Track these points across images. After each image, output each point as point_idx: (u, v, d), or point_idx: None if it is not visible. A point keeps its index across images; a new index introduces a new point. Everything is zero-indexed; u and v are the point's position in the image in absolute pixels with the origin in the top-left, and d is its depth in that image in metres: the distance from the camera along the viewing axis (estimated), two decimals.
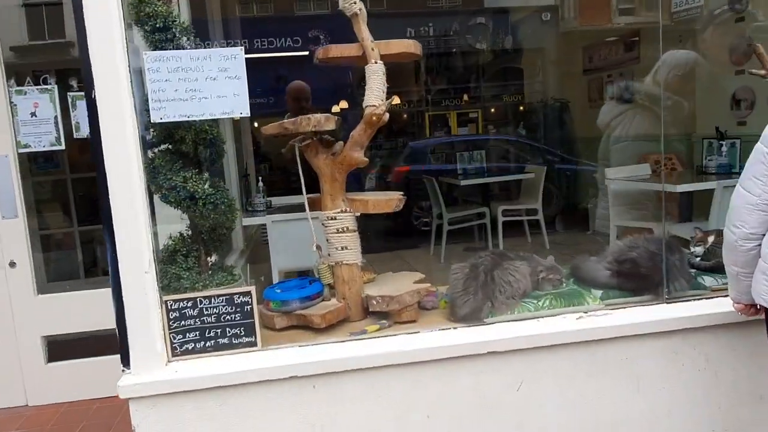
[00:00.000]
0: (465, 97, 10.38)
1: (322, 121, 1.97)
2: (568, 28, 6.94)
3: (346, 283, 2.10)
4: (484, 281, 2.01)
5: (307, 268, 3.35)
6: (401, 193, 2.17)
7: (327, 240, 2.12)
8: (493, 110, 10.59)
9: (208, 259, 2.04)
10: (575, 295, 2.09)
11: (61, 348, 3.31)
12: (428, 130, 10.49)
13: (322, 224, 2.12)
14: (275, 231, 3.28)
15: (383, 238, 7.08)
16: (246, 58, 1.81)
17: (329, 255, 2.13)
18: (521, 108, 9.96)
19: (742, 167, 1.73)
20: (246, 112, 1.84)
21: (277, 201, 4.18)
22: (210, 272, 2.00)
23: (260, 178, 4.25)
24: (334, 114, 2.06)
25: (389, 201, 2.08)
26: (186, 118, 1.80)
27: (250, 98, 1.84)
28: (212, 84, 1.79)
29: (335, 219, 2.08)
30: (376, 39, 2.03)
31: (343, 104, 11.28)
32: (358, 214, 2.14)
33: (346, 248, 2.09)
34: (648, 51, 4.88)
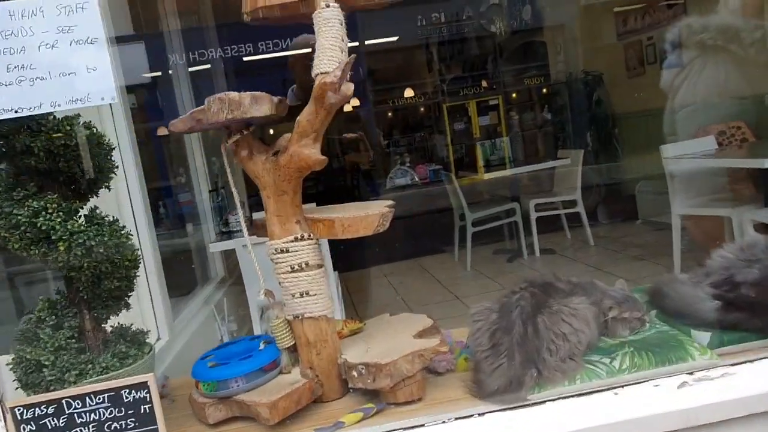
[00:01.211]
0: (483, 83, 9.55)
1: (245, 104, 1.24)
2: None
3: (313, 347, 1.37)
4: (524, 334, 1.25)
5: None
6: (389, 203, 1.43)
7: (279, 284, 1.40)
8: (515, 95, 9.74)
9: (102, 327, 1.34)
10: (669, 343, 1.31)
11: None
12: (447, 121, 9.70)
13: (270, 260, 1.39)
14: (249, 256, 2.56)
15: (400, 240, 6.35)
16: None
17: (284, 305, 1.40)
18: (544, 90, 9.08)
19: None
20: (112, 97, 1.13)
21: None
22: (99, 350, 1.30)
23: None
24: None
25: (367, 218, 1.34)
26: (13, 114, 1.09)
27: None
28: (50, 54, 1.08)
29: (287, 252, 1.35)
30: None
31: (355, 102, 10.60)
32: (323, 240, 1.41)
33: (308, 294, 1.36)
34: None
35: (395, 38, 9.06)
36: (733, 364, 1.25)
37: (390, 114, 11.19)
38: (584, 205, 4.51)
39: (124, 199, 2.09)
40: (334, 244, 5.77)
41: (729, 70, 3.03)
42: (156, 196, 3.11)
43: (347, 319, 1.56)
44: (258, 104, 1.26)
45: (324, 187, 8.47)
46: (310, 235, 1.37)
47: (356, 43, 9.30)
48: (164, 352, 2.06)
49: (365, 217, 1.33)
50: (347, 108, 11.75)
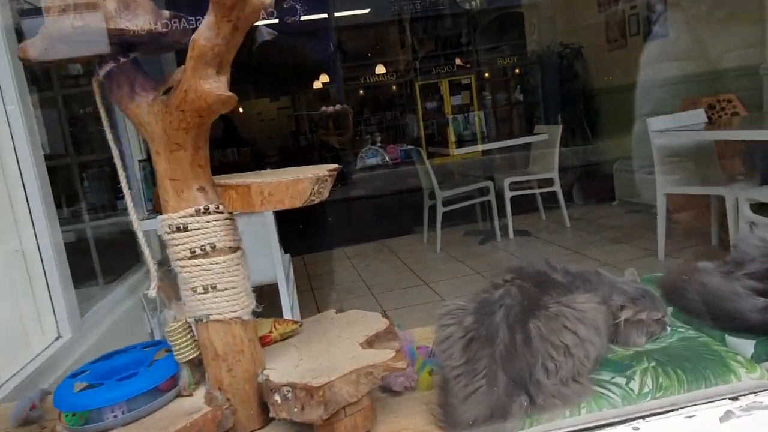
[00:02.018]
0: (457, 61, 9.16)
1: (110, 11, 0.82)
2: None
3: (222, 360, 0.98)
4: (510, 346, 0.89)
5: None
6: (332, 166, 1.03)
7: (177, 273, 1.00)
8: (488, 74, 9.38)
9: None
10: (702, 355, 0.96)
11: None
12: (419, 100, 9.30)
13: (162, 240, 0.99)
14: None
15: (368, 221, 5.97)
16: None
17: (183, 304, 1.01)
18: (517, 70, 8.74)
19: None
20: None
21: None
22: None
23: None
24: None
25: (296, 185, 0.95)
26: None
27: None
28: None
29: (185, 230, 0.95)
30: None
31: (324, 78, 10.08)
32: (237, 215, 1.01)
33: (215, 288, 0.97)
34: None
35: (367, 10, 8.57)
36: None
37: (361, 92, 10.72)
38: (560, 184, 4.20)
39: (12, 176, 1.66)
40: (288, 223, 5.36)
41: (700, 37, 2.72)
42: (82, 166, 2.67)
43: (278, 319, 1.17)
44: (131, 13, 0.84)
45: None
46: (218, 207, 0.97)
47: (325, 15, 8.76)
48: (65, 352, 1.65)
49: (293, 183, 0.94)
50: (317, 84, 11.22)
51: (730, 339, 1.01)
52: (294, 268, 4.15)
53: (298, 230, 5.08)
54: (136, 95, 0.94)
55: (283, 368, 1.01)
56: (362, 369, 0.93)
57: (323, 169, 0.99)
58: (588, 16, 4.86)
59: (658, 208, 3.09)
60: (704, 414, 0.87)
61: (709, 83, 3.71)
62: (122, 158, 1.03)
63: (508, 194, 4.00)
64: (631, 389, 0.89)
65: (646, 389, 0.89)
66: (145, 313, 2.23)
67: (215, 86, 0.88)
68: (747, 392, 0.91)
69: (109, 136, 1.00)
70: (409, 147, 8.54)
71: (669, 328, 1.04)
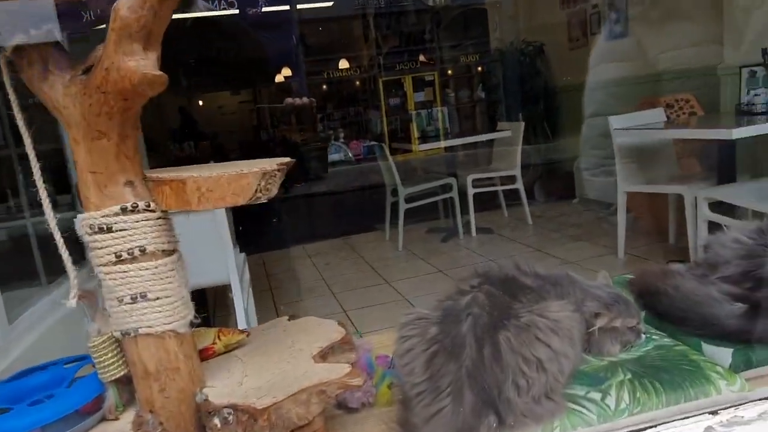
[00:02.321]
0: (421, 57, 9.10)
1: None
2: None
3: (154, 379, 0.86)
4: (478, 361, 0.80)
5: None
6: (285, 160, 0.92)
7: (100, 280, 0.87)
8: (450, 71, 9.37)
9: None
10: (680, 366, 0.90)
11: None
12: (382, 96, 9.21)
13: (84, 243, 0.86)
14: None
15: (330, 218, 5.84)
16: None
17: (108, 315, 0.88)
18: (480, 69, 8.75)
19: None
20: None
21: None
22: None
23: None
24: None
25: (239, 180, 0.83)
26: None
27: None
28: None
29: (109, 231, 0.83)
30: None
31: (287, 71, 9.86)
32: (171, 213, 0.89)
33: (145, 297, 0.84)
34: None
35: (330, 3, 8.40)
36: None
37: (324, 86, 10.55)
38: (522, 182, 4.18)
39: None
40: (246, 219, 5.19)
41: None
42: (23, 158, 2.44)
43: (223, 329, 1.05)
44: None
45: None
46: (149, 205, 0.84)
47: (287, 7, 8.54)
48: None
49: (236, 178, 0.82)
50: (279, 78, 10.96)
51: (707, 347, 0.95)
52: (252, 267, 4.00)
53: (257, 227, 4.91)
54: (49, 74, 0.81)
55: (225, 386, 0.90)
56: (314, 387, 0.83)
57: (273, 163, 0.88)
58: (550, 14, 4.86)
59: (618, 207, 3.08)
60: (682, 428, 0.80)
61: (667, 83, 3.74)
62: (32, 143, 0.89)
63: (471, 191, 3.95)
64: (607, 405, 0.82)
65: (623, 405, 0.82)
66: (86, 318, 2.05)
67: (141, 64, 0.75)
68: (727, 405, 0.84)
69: (20, 122, 0.86)
70: (372, 143, 8.44)
71: (644, 336, 0.97)
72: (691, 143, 3.29)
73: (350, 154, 9.48)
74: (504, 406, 0.77)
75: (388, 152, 3.92)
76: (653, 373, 0.87)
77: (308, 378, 0.85)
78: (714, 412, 0.83)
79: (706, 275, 1.07)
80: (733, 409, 0.83)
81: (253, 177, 0.83)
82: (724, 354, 0.92)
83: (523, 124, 4.05)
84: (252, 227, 5.12)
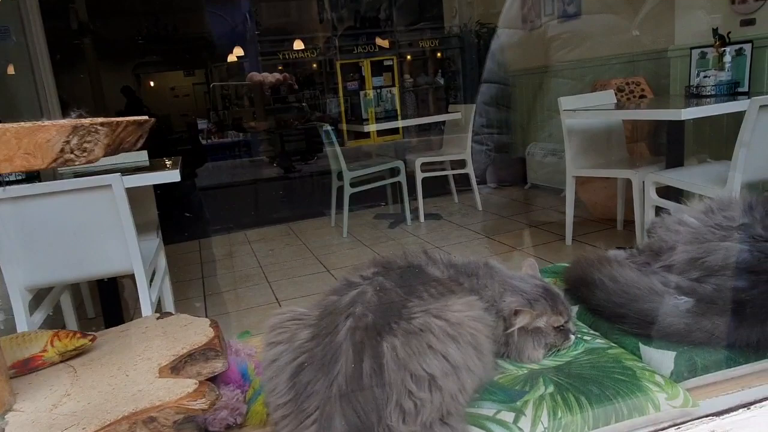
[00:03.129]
0: (378, 40, 8.86)
1: None
2: None
3: None
4: (354, 377, 0.60)
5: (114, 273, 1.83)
6: (140, 118, 0.69)
7: None
8: (409, 57, 9.18)
9: None
10: (613, 375, 0.73)
11: None
12: (339, 80, 8.95)
13: None
14: (11, 216, 1.70)
15: (278, 203, 5.59)
16: None
17: None
18: (439, 54, 8.59)
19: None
20: None
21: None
22: None
23: None
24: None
25: (35, 134, 0.60)
26: None
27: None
28: None
29: None
30: None
31: (239, 51, 9.46)
32: None
33: None
34: None
35: None
36: (720, 413, 0.69)
37: (280, 68, 10.17)
38: (473, 167, 4.02)
39: None
40: (185, 203, 4.88)
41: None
42: None
43: (61, 331, 0.83)
44: None
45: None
46: None
47: None
48: None
49: (28, 132, 0.60)
50: (231, 58, 10.51)
51: (646, 349, 0.79)
52: (187, 255, 3.73)
53: (197, 212, 4.62)
54: None
55: (36, 410, 0.68)
56: (140, 414, 0.62)
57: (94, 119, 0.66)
58: None
59: (566, 191, 2.96)
60: None
61: (620, 66, 3.64)
62: None
63: (420, 175, 3.77)
64: (520, 429, 0.64)
65: (540, 428, 0.64)
66: None
67: None
68: (668, 425, 0.68)
69: None
70: (329, 127, 8.16)
71: (573, 337, 0.80)
72: (641, 128, 3.20)
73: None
74: None
75: (333, 134, 3.69)
76: (580, 385, 0.69)
77: (137, 400, 0.64)
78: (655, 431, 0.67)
79: (649, 263, 0.90)
80: (673, 429, 0.67)
81: (57, 132, 0.61)
82: (665, 359, 0.76)
83: (473, 106, 3.88)
84: (191, 211, 4.83)
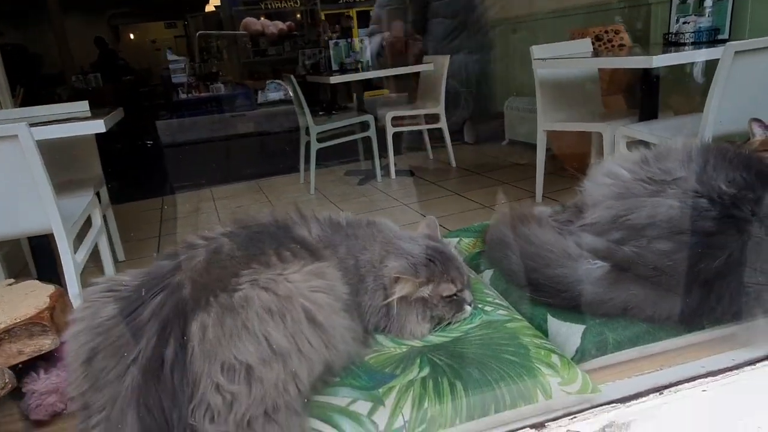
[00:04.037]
0: None
1: None
2: None
3: None
4: (153, 367, 0.48)
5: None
6: None
7: None
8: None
9: None
10: (502, 354, 0.60)
11: None
12: (324, 31, 8.58)
13: None
14: None
15: (247, 159, 5.40)
16: None
17: None
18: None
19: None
20: None
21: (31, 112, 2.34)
22: None
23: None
24: None
25: None
26: None
27: None
28: None
29: None
30: None
31: (216, 1, 9.05)
32: None
33: None
34: None
35: None
36: (625, 399, 0.58)
37: (262, 18, 9.75)
38: (450, 123, 3.85)
39: None
40: (149, 159, 4.69)
41: None
42: None
43: None
44: None
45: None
46: None
47: None
48: None
49: None
50: (208, 8, 10.05)
51: (554, 322, 0.67)
52: (147, 212, 3.58)
53: (160, 168, 4.44)
54: None
55: None
56: None
57: None
58: None
59: (538, 146, 2.81)
60: None
61: (602, 14, 3.43)
62: None
63: (390, 130, 3.60)
64: (374, 424, 0.52)
65: (398, 422, 0.52)
66: None
67: None
68: (560, 414, 0.56)
69: None
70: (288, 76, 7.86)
71: (469, 309, 0.68)
72: (618, 79, 3.03)
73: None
74: None
75: (296, 84, 3.49)
76: (459, 368, 0.57)
77: None
78: (539, 426, 0.55)
79: (571, 222, 0.77)
80: (567, 420, 0.56)
81: None
82: (572, 333, 0.64)
83: (448, 57, 3.68)
84: (156, 168, 4.64)
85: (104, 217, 2.25)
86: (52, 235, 1.61)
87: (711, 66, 2.20)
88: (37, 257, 1.88)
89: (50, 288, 0.75)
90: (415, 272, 0.64)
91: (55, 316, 0.68)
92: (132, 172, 3.81)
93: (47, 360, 0.68)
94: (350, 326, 0.56)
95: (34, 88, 4.07)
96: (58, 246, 1.63)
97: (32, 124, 1.68)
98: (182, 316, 0.49)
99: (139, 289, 0.54)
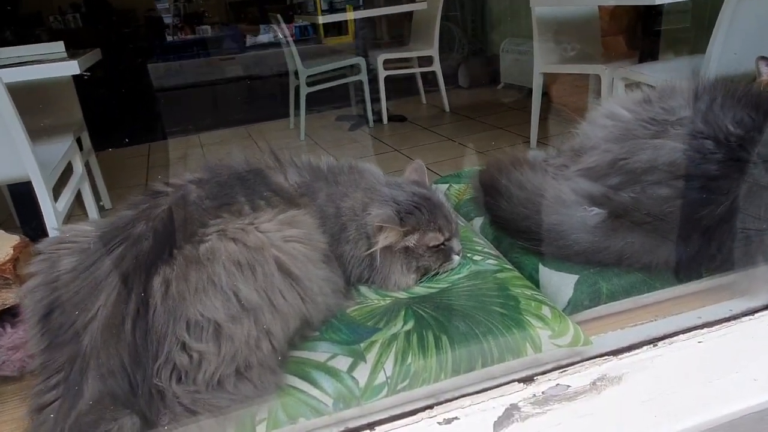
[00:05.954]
0: None
1: None
2: None
3: None
4: (112, 325, 0.44)
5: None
6: None
7: None
8: None
9: None
10: (490, 307, 0.57)
11: None
12: None
13: None
14: None
15: (238, 104, 5.26)
16: None
17: None
18: None
19: None
20: None
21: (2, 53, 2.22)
22: None
23: None
24: None
25: None
26: None
27: None
28: None
29: None
30: None
31: None
32: None
33: None
34: None
35: None
36: (618, 351, 0.55)
37: None
38: (444, 66, 3.72)
39: None
40: (137, 106, 4.55)
41: None
42: None
43: None
44: None
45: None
46: None
47: None
48: None
49: None
50: None
51: (545, 272, 0.64)
52: (133, 158, 3.49)
53: (146, 114, 4.31)
54: None
55: None
56: None
57: None
58: None
59: (533, 90, 2.73)
60: (470, 418, 0.49)
61: None
62: None
63: (382, 74, 3.48)
64: (354, 380, 0.49)
65: (380, 378, 0.50)
66: None
67: None
68: (549, 368, 0.54)
69: None
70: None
71: (457, 258, 0.64)
72: (619, 19, 2.91)
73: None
74: (154, 402, 0.43)
75: (283, 23, 3.34)
76: (445, 321, 0.54)
77: None
78: (527, 380, 0.53)
79: (566, 166, 0.73)
80: (556, 373, 0.53)
81: None
82: (564, 283, 0.61)
83: None
84: (144, 114, 4.51)
85: (87, 164, 2.19)
86: (31, 182, 1.55)
87: (716, 4, 2.10)
88: (18, 206, 1.83)
89: (14, 238, 0.71)
90: (399, 220, 0.60)
91: (18, 268, 0.64)
92: (117, 118, 3.69)
93: (14, 315, 0.64)
94: (329, 277, 0.52)
95: (10, 29, 3.88)
96: (37, 193, 1.57)
97: (2, 66, 1.59)
98: (143, 270, 0.45)
99: (98, 240, 0.49)
